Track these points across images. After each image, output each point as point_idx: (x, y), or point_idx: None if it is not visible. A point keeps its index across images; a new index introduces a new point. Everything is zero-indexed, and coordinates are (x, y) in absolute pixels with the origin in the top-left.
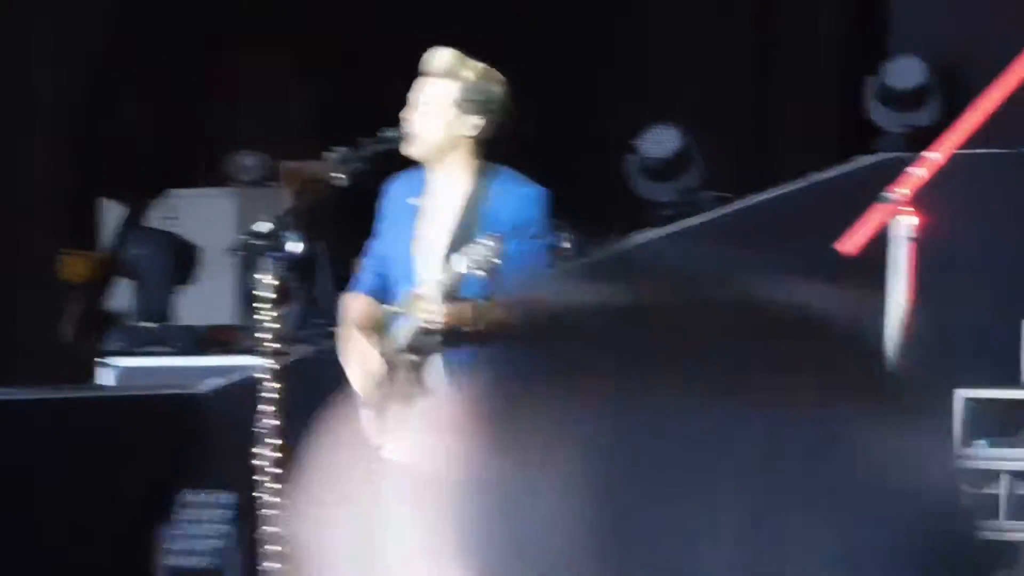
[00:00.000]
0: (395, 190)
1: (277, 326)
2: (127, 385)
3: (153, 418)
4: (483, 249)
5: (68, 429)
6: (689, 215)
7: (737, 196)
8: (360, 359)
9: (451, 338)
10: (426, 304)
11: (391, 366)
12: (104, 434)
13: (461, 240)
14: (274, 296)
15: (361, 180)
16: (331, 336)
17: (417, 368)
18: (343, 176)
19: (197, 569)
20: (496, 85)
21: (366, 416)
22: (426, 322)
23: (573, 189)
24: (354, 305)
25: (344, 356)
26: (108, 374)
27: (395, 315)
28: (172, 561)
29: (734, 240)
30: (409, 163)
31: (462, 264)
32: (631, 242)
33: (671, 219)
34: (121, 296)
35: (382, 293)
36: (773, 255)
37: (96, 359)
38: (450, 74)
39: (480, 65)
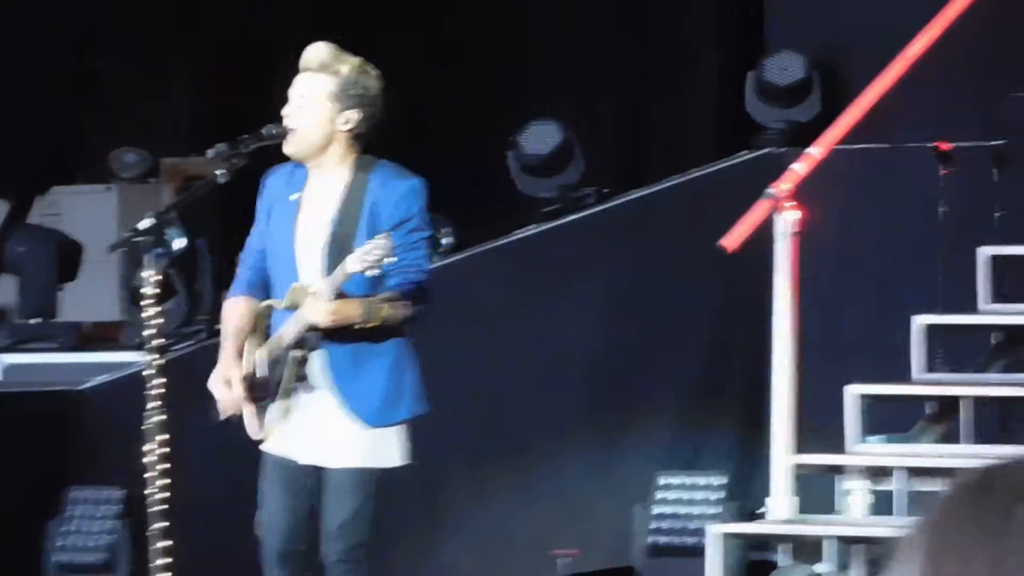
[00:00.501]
0: (274, 184)
1: (160, 322)
2: (10, 381)
3: (38, 414)
4: (375, 249)
5: None
6: (570, 211)
7: (618, 192)
8: (223, 376)
9: (338, 334)
10: (315, 302)
11: (273, 361)
12: None
13: (343, 235)
14: (156, 292)
15: (241, 176)
16: (213, 331)
17: (301, 364)
18: (223, 172)
19: (85, 565)
20: (372, 79)
21: (246, 409)
22: (315, 320)
23: (454, 185)
24: (230, 313)
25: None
26: None
27: (276, 310)
28: (60, 557)
29: (615, 236)
30: (289, 159)
31: (355, 264)
32: (511, 237)
33: (552, 215)
34: (4, 293)
35: (261, 289)
36: (655, 251)
37: None
38: (325, 68)
39: (356, 59)
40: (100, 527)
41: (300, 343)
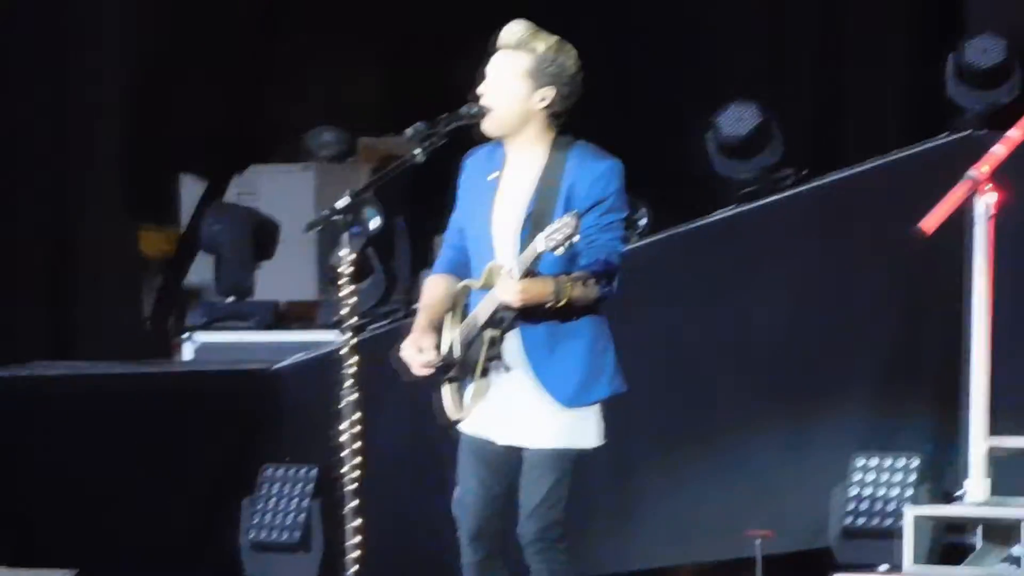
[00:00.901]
0: (473, 165)
1: (355, 301)
2: (205, 360)
3: (232, 394)
4: (562, 227)
5: (149, 405)
6: (768, 193)
7: (816, 174)
8: (415, 342)
9: (530, 314)
10: (505, 282)
11: (468, 341)
12: (185, 409)
13: (539, 215)
14: (352, 271)
15: (438, 155)
16: (409, 311)
17: (495, 343)
18: (421, 152)
19: (279, 543)
20: (569, 57)
21: (444, 389)
22: (505, 299)
23: (652, 167)
24: (428, 288)
25: (403, 347)
26: (188, 349)
27: (473, 290)
28: (254, 535)
29: (812, 218)
30: (487, 138)
31: (541, 243)
32: (708, 219)
33: (749, 197)
34: (200, 271)
35: (463, 267)
36: (852, 232)
37: (176, 335)
38: (522, 46)
39: (553, 37)
40: (294, 505)
41: (494, 323)
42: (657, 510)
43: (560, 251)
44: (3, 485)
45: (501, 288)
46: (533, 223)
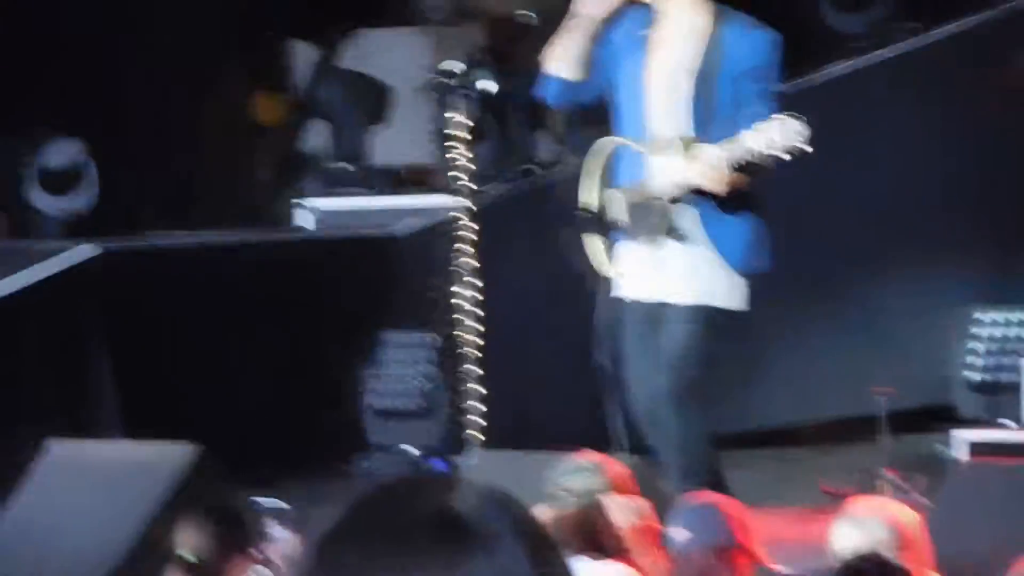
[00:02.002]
0: (623, 18)
1: (472, 165)
2: (324, 227)
3: (351, 260)
4: (787, 132)
5: (266, 273)
6: (880, 47)
7: (928, 27)
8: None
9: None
10: (708, 170)
11: (636, 206)
12: (303, 276)
13: (706, 91)
14: (468, 135)
15: (556, 16)
16: (526, 174)
17: (668, 214)
18: (532, 15)
19: (400, 409)
20: None
21: (594, 243)
22: (708, 187)
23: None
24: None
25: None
26: (305, 216)
27: (619, 147)
28: (374, 402)
29: (931, 70)
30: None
31: (759, 144)
32: (824, 73)
33: (862, 51)
34: (316, 138)
35: (578, 96)
36: (965, 87)
37: (293, 201)
38: None
39: None
40: (414, 372)
41: (674, 197)
42: (779, 368)
43: (784, 155)
44: (122, 356)
45: (701, 175)
46: (703, 99)
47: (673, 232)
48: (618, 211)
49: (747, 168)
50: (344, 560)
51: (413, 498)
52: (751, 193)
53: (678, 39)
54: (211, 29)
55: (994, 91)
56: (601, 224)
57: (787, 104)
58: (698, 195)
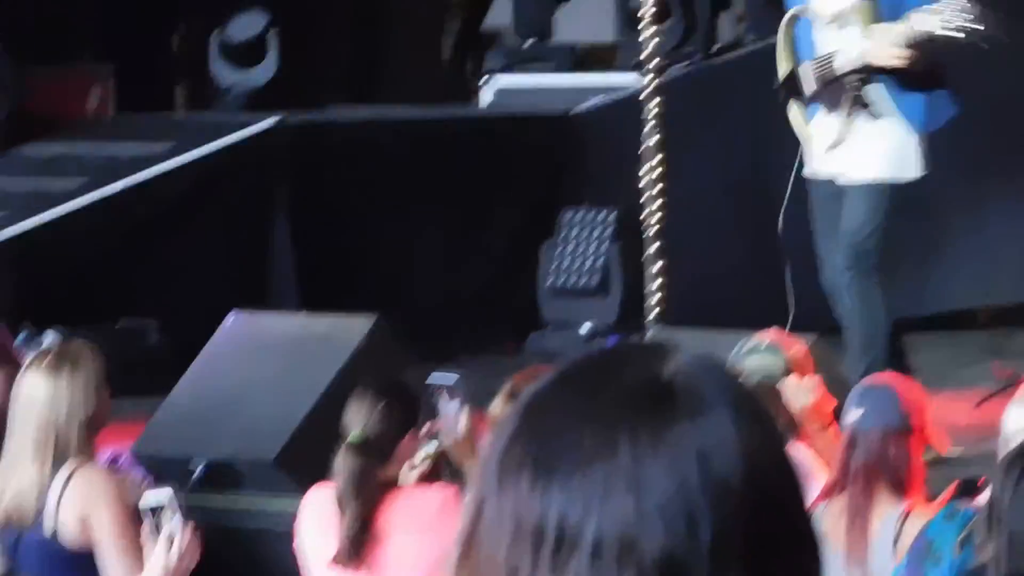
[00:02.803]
0: None
1: (656, 43)
2: (505, 103)
3: (532, 138)
4: (960, 11)
5: (449, 148)
6: None
7: None
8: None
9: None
10: (887, 48)
11: (825, 79)
12: (484, 154)
13: None
14: (653, 12)
15: None
16: (709, 54)
17: (860, 89)
18: None
19: (580, 287)
20: None
21: (794, 116)
22: (883, 64)
23: None
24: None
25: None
26: (487, 92)
27: (800, 19)
28: (554, 279)
29: None
30: None
31: (935, 26)
32: None
33: None
34: (500, 14)
35: None
36: None
37: (476, 78)
38: None
39: None
40: (595, 249)
41: (859, 73)
42: (957, 250)
43: (959, 35)
44: (302, 228)
45: (881, 53)
46: None
47: (859, 106)
48: (807, 85)
49: (923, 46)
50: (548, 424)
51: (623, 365)
52: (935, 66)
53: None
54: None
55: None
56: (798, 95)
57: None
58: (880, 70)
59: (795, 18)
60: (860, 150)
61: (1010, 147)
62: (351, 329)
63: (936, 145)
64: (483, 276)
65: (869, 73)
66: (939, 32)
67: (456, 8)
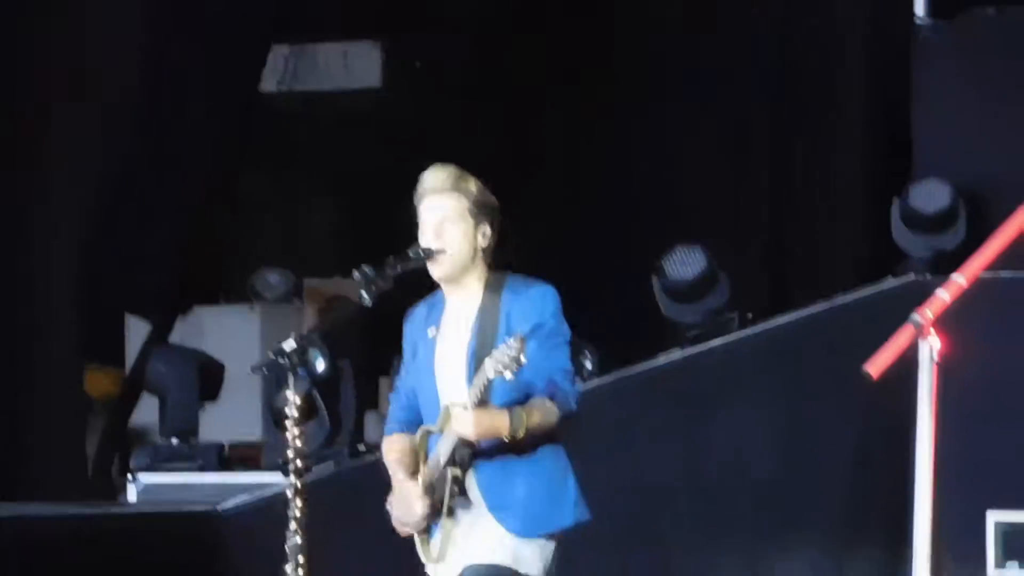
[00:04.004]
0: (415, 323)
1: (301, 444)
2: (150, 501)
3: (177, 535)
4: (507, 350)
5: (93, 546)
6: (714, 335)
7: (762, 317)
8: (403, 505)
9: (491, 448)
10: (460, 415)
11: (431, 484)
12: (129, 551)
13: (481, 349)
14: (298, 414)
15: (385, 298)
16: (355, 453)
17: (457, 481)
18: (367, 296)
19: None
20: (490, 195)
21: (417, 539)
22: (463, 432)
23: (599, 310)
24: (388, 448)
25: (389, 502)
26: (132, 491)
27: (432, 435)
28: None
29: (759, 361)
30: (432, 283)
31: (490, 370)
32: (656, 363)
33: (696, 340)
34: (145, 412)
35: (415, 426)
36: (799, 376)
37: (121, 475)
38: (455, 188)
39: (472, 177)
40: None
41: (455, 460)
42: None
43: (509, 375)
44: None
45: (457, 422)
46: (477, 359)
47: (456, 502)
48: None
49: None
50: None
51: None
52: (540, 445)
53: (462, 319)
54: (46, 300)
55: (819, 383)
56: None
57: (623, 392)
58: (483, 458)
59: (426, 434)
60: (463, 546)
61: (658, 551)
62: None
63: (578, 550)
64: None
65: (464, 454)
66: (492, 374)
67: (102, 405)
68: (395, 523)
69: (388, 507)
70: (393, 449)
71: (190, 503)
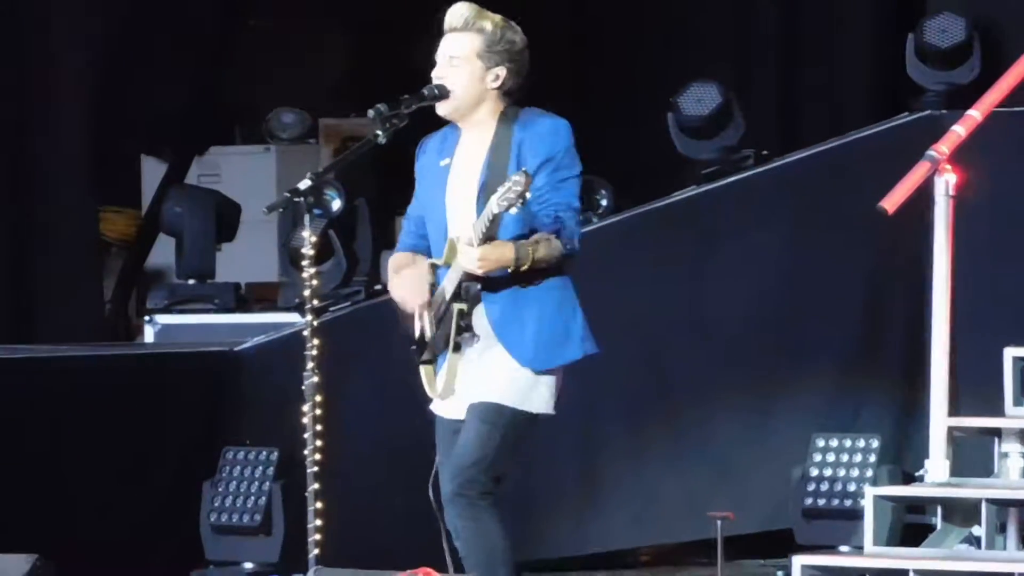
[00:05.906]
0: (428, 152)
1: (317, 283)
2: (167, 342)
3: (193, 375)
4: (513, 186)
5: (110, 386)
6: (729, 173)
7: (777, 154)
8: (409, 279)
9: (496, 281)
10: (466, 251)
11: (439, 318)
12: (146, 391)
13: (492, 184)
14: (314, 253)
15: (400, 135)
16: (371, 292)
17: (463, 315)
18: (383, 133)
19: (241, 526)
20: (516, 34)
21: (422, 370)
22: (468, 267)
23: (613, 147)
24: (395, 260)
25: (393, 286)
26: (150, 332)
27: (438, 267)
28: (215, 518)
29: (774, 198)
30: (445, 121)
31: (495, 205)
32: (670, 199)
33: (711, 177)
34: (162, 253)
35: (424, 253)
36: (813, 213)
37: (138, 317)
38: (470, 27)
39: (497, 16)
40: (255, 488)
41: (461, 295)
42: (617, 491)
43: (514, 210)
44: None
45: (463, 257)
46: (487, 193)
47: (462, 337)
48: (429, 328)
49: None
50: None
51: None
52: (547, 278)
53: (475, 154)
54: (59, 143)
55: (834, 219)
56: (424, 347)
57: (637, 229)
58: (489, 291)
59: (433, 268)
60: (470, 380)
61: (666, 391)
62: (8, 570)
63: (586, 389)
64: (145, 513)
65: (470, 289)
66: (498, 210)
67: (119, 247)
68: (399, 302)
69: (391, 289)
70: (396, 260)
71: (207, 343)
